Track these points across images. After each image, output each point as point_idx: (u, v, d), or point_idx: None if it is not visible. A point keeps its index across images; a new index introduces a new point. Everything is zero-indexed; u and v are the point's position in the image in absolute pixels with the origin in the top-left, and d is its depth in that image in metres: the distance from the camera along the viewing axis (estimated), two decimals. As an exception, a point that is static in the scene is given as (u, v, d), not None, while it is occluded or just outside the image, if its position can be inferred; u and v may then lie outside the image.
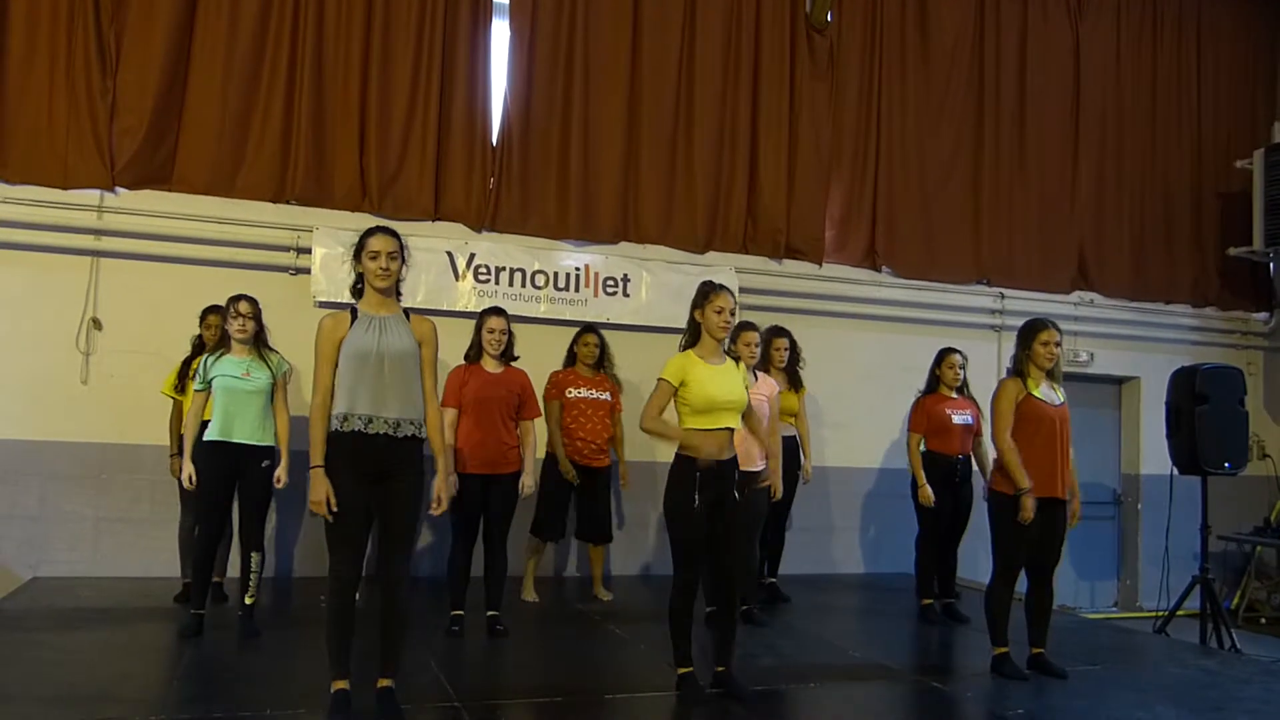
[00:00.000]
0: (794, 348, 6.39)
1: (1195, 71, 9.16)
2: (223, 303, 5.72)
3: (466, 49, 6.89)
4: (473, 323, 6.67)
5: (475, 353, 5.14)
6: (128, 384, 6.10)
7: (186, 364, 5.53)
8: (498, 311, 5.19)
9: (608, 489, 6.15)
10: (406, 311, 3.71)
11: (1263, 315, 9.28)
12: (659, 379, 3.94)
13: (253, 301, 4.93)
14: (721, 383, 3.93)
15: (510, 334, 5.16)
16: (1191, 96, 9.14)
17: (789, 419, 6.35)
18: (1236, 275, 9.10)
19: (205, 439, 4.77)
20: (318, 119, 6.53)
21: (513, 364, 5.21)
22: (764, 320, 6.83)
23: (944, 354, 6.14)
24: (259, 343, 4.91)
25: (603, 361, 6.14)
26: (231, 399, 4.73)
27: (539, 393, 5.64)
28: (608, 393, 6.06)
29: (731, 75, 7.52)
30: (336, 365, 3.46)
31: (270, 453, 4.81)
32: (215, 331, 5.44)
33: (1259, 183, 8.57)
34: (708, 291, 4.08)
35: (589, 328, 6.22)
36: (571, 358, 6.13)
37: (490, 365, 5.08)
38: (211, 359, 4.83)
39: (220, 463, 4.72)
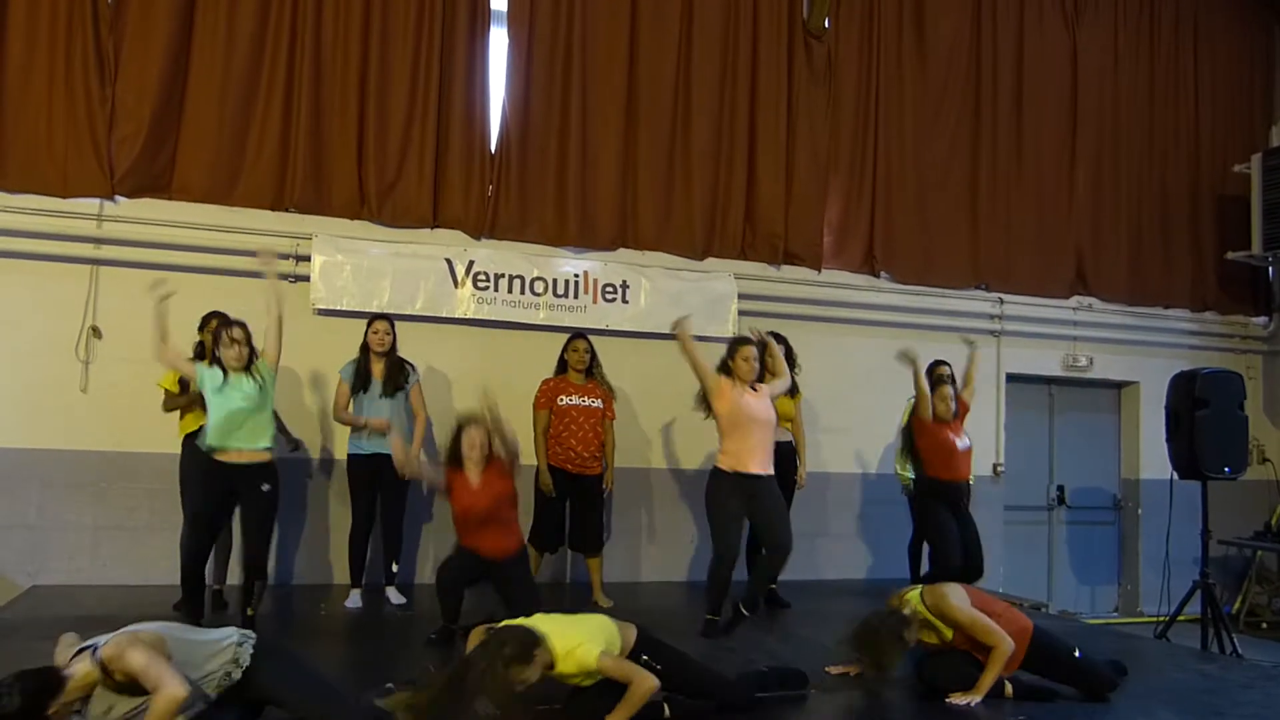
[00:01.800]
0: (789, 354, 6.40)
1: (1193, 76, 9.17)
2: (222, 309, 5.75)
3: (464, 57, 6.90)
4: (471, 329, 6.78)
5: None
6: (127, 392, 6.09)
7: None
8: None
9: (600, 497, 6.15)
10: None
11: (1262, 319, 9.29)
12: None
13: (244, 326, 4.97)
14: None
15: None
16: (1189, 101, 9.15)
17: (784, 424, 6.37)
18: (1235, 279, 9.11)
19: (207, 456, 4.83)
20: (316, 126, 6.54)
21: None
22: (762, 326, 6.84)
23: (933, 366, 6.42)
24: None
25: (593, 368, 6.13)
26: (229, 418, 4.80)
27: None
28: (599, 400, 6.05)
29: (729, 81, 7.53)
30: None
31: (269, 474, 4.86)
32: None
33: (1257, 187, 8.58)
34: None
35: (578, 334, 6.22)
36: (562, 365, 6.13)
37: (473, 473, 4.84)
38: (208, 373, 4.86)
39: (217, 482, 4.82)
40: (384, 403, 5.72)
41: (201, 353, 5.48)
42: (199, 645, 3.20)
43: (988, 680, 3.95)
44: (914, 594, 4.19)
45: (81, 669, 3.00)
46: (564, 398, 5.96)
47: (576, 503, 5.96)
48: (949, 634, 4.08)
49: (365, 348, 5.81)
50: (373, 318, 5.91)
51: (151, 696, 2.95)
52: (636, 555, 7.08)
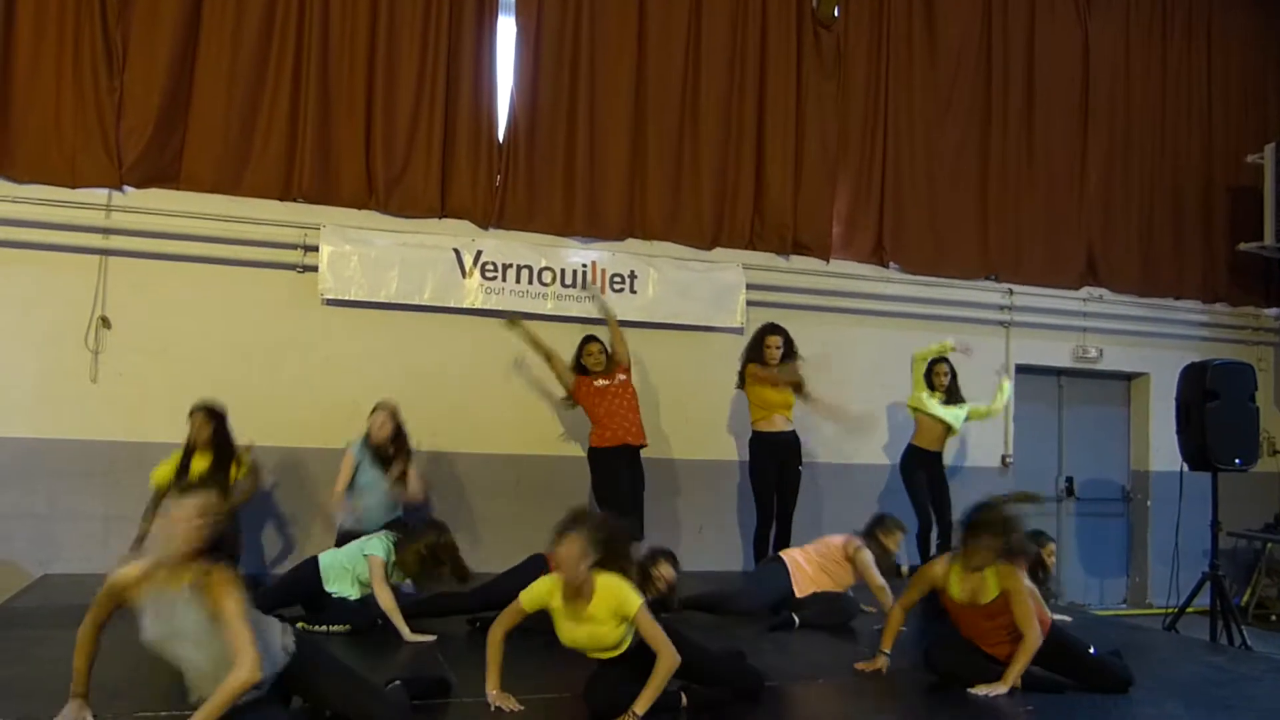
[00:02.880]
0: (789, 344, 6.43)
1: (1205, 65, 9.11)
2: (228, 300, 5.77)
3: (472, 46, 6.88)
4: (479, 319, 6.78)
5: None
6: (136, 382, 6.13)
7: (186, 458, 5.41)
8: None
9: (643, 474, 6.25)
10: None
11: (1273, 310, 9.23)
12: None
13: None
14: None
15: None
16: (1201, 91, 9.09)
17: (785, 412, 6.39)
18: (1247, 270, 9.05)
19: None
20: (324, 116, 6.54)
21: None
22: (770, 317, 6.84)
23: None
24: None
25: (610, 365, 6.26)
26: None
27: None
28: (623, 375, 6.23)
29: (738, 71, 7.51)
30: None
31: None
32: (199, 429, 5.36)
33: (1270, 177, 8.51)
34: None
35: (590, 337, 6.27)
36: (581, 369, 6.23)
37: None
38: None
39: None
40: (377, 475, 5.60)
41: (192, 448, 5.39)
42: (267, 622, 3.11)
43: (1015, 672, 3.90)
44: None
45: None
46: (598, 381, 6.15)
47: (632, 472, 6.11)
48: (986, 598, 3.94)
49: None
50: (376, 407, 5.69)
51: (231, 668, 2.82)
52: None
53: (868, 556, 5.21)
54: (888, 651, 4.23)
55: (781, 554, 5.49)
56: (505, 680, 3.58)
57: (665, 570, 4.90)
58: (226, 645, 2.86)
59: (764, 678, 3.82)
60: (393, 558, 4.68)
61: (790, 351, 6.47)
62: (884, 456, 7.67)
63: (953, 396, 6.83)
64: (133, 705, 3.44)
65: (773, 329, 6.49)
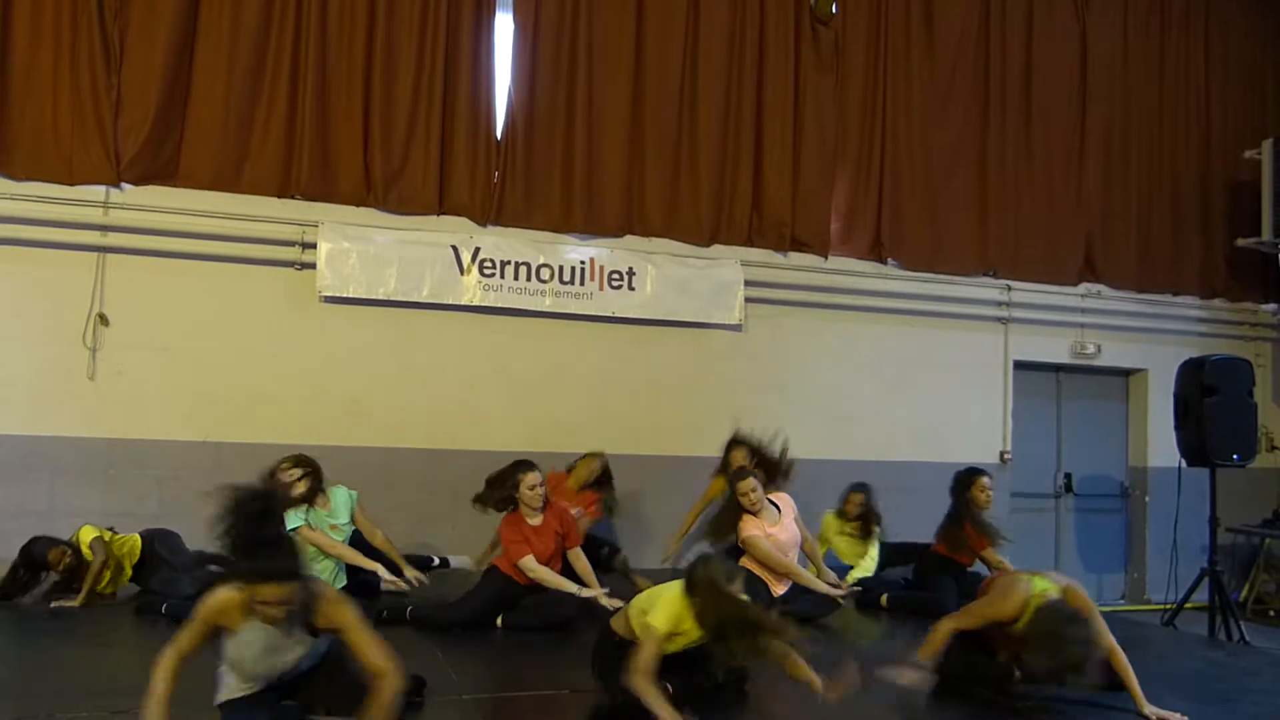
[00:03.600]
0: (760, 452, 6.02)
1: (1204, 61, 9.10)
2: (227, 296, 5.73)
3: (470, 42, 6.87)
4: (477, 316, 6.78)
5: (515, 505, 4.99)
6: (135, 379, 6.12)
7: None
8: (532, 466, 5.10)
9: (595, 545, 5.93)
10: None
11: (1271, 306, 9.24)
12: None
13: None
14: None
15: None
16: (1200, 86, 9.08)
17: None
18: (1245, 266, 9.04)
19: None
20: (322, 113, 6.52)
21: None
22: (770, 313, 6.84)
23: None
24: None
25: (602, 481, 6.06)
26: None
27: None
28: (579, 506, 5.81)
29: (736, 67, 7.49)
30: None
31: None
32: (70, 558, 5.13)
33: (1268, 173, 8.48)
34: None
35: (596, 453, 6.14)
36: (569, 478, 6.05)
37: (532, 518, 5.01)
38: None
39: None
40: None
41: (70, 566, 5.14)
42: None
43: (1135, 687, 3.74)
44: (1042, 583, 3.82)
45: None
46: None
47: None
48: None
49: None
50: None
51: (375, 680, 2.90)
52: (644, 543, 7.06)
53: (750, 535, 5.24)
54: (925, 664, 3.96)
55: (743, 565, 5.39)
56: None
57: (530, 478, 5.00)
58: (359, 655, 2.98)
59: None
60: (305, 517, 4.81)
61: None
62: (863, 452, 7.59)
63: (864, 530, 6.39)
64: (131, 701, 3.44)
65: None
